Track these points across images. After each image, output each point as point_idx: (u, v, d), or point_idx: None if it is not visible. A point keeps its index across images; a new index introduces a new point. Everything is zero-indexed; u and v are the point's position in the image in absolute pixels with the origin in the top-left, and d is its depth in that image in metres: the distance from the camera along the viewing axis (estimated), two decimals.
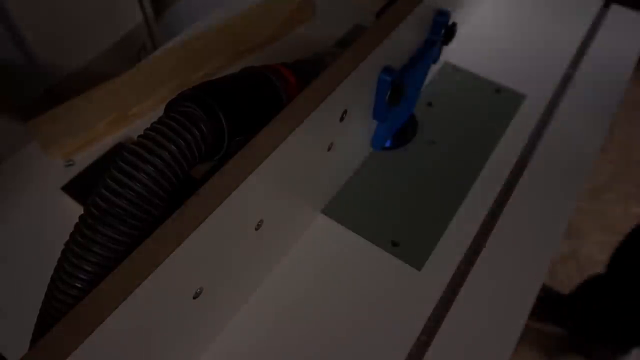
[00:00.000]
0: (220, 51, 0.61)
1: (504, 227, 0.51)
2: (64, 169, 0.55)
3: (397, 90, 0.44)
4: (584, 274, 1.18)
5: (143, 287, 0.27)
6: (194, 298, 0.34)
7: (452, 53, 0.66)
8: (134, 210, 0.32)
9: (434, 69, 0.64)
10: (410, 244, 0.48)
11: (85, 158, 0.55)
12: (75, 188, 0.52)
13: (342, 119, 0.42)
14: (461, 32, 0.68)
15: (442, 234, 0.49)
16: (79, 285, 0.31)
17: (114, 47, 0.67)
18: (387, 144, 0.56)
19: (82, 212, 0.33)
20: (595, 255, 1.32)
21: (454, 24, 0.51)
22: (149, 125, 0.35)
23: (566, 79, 0.65)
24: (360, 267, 0.47)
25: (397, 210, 0.51)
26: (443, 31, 0.50)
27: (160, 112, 0.37)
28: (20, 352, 0.27)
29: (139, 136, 0.34)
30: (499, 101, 0.61)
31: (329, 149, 0.43)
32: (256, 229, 0.38)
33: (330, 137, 0.42)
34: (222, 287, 0.38)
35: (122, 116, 0.57)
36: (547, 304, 1.05)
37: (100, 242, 0.31)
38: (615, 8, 0.74)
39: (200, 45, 0.61)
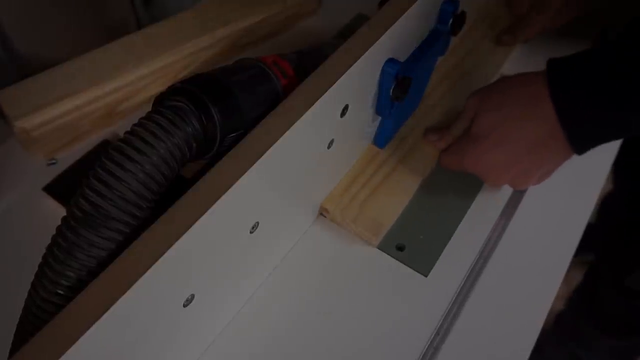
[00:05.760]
0: (203, 31, 0.61)
1: (515, 232, 0.50)
2: (45, 168, 0.54)
3: (402, 84, 0.44)
4: None
5: (129, 295, 0.27)
6: (185, 306, 0.34)
7: None
8: (120, 212, 0.32)
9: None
10: (416, 248, 0.48)
11: (68, 156, 0.55)
12: (58, 188, 0.52)
13: (343, 114, 0.42)
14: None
15: (449, 237, 0.49)
16: (61, 292, 0.31)
17: (99, 38, 0.67)
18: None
19: (64, 214, 0.33)
20: None
21: (463, 13, 0.51)
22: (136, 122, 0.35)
23: None
24: (363, 273, 0.47)
25: (402, 213, 0.50)
26: (451, 21, 0.50)
27: (149, 107, 0.37)
28: None
29: (126, 133, 0.34)
30: None
31: (329, 147, 0.43)
32: (251, 232, 0.38)
33: (330, 134, 0.42)
34: (215, 294, 0.38)
35: (108, 113, 0.57)
36: None
37: (83, 246, 0.31)
38: None
39: (181, 24, 0.61)
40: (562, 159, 0.45)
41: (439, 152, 0.53)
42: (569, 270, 0.48)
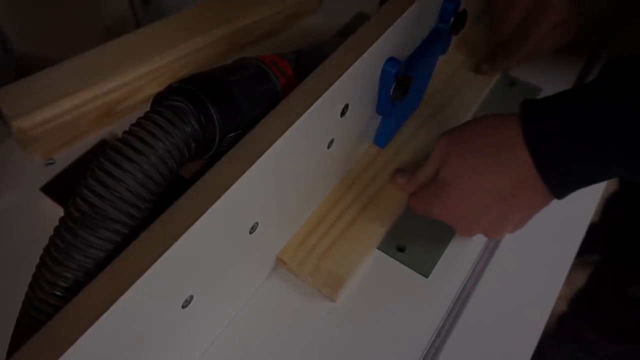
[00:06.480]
0: (202, 31, 0.61)
1: (516, 233, 0.50)
2: (43, 168, 0.54)
3: (403, 83, 0.44)
4: None
5: (128, 295, 0.27)
6: (183, 307, 0.34)
7: None
8: (118, 213, 0.32)
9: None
10: (416, 249, 0.48)
11: (66, 156, 0.55)
12: (56, 189, 0.52)
13: (343, 113, 0.42)
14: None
15: (450, 238, 0.49)
16: (59, 294, 0.31)
17: (98, 37, 0.67)
18: None
19: (62, 214, 0.33)
20: None
21: (464, 12, 0.51)
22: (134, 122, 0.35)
23: (584, 72, 0.65)
24: (363, 273, 0.47)
25: (402, 214, 0.50)
26: (452, 19, 0.50)
27: (147, 107, 0.37)
28: None
29: (124, 132, 0.34)
30: (514, 94, 0.61)
31: (329, 146, 0.43)
32: (250, 233, 0.38)
33: (330, 133, 0.42)
34: (214, 294, 0.38)
35: (106, 112, 0.57)
36: None
37: (81, 247, 0.31)
38: None
39: (183, 23, 0.61)
40: (539, 206, 0.42)
41: (407, 195, 0.50)
42: (572, 271, 0.48)
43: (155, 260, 0.28)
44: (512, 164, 0.39)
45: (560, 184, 0.39)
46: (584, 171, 0.38)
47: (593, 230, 0.53)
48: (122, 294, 0.27)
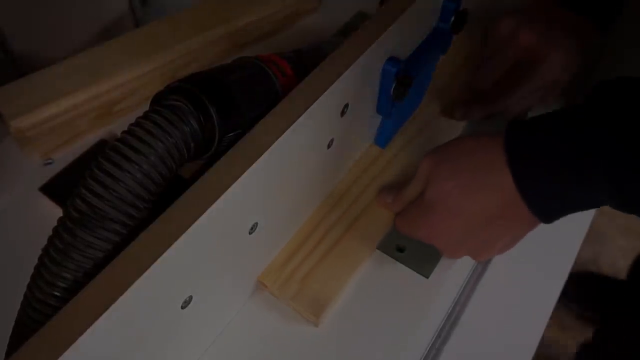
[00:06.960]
0: (201, 30, 0.61)
1: None
2: (42, 168, 0.54)
3: (403, 83, 0.44)
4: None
5: (127, 296, 0.27)
6: (182, 308, 0.34)
7: None
8: (117, 212, 0.32)
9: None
10: (416, 249, 0.48)
11: (65, 156, 0.55)
12: (54, 189, 0.52)
13: (343, 113, 0.42)
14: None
15: None
16: (58, 294, 0.31)
17: (97, 36, 0.67)
18: None
19: (61, 214, 0.33)
20: (618, 262, 1.32)
21: (465, 11, 0.51)
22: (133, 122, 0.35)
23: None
24: (363, 274, 0.47)
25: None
26: (453, 18, 0.50)
27: (146, 106, 0.37)
28: None
29: (123, 132, 0.34)
30: None
31: (329, 146, 0.43)
32: (250, 233, 0.38)
33: (330, 133, 0.42)
34: (213, 295, 0.38)
35: (105, 112, 0.57)
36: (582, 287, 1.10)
37: (79, 247, 0.31)
38: None
39: (182, 23, 0.61)
40: (527, 228, 0.41)
41: (393, 214, 0.48)
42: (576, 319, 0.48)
43: (155, 260, 0.28)
44: (498, 187, 0.38)
45: (544, 209, 0.38)
46: (568, 197, 0.37)
47: (617, 286, 0.51)
48: (121, 294, 0.27)
